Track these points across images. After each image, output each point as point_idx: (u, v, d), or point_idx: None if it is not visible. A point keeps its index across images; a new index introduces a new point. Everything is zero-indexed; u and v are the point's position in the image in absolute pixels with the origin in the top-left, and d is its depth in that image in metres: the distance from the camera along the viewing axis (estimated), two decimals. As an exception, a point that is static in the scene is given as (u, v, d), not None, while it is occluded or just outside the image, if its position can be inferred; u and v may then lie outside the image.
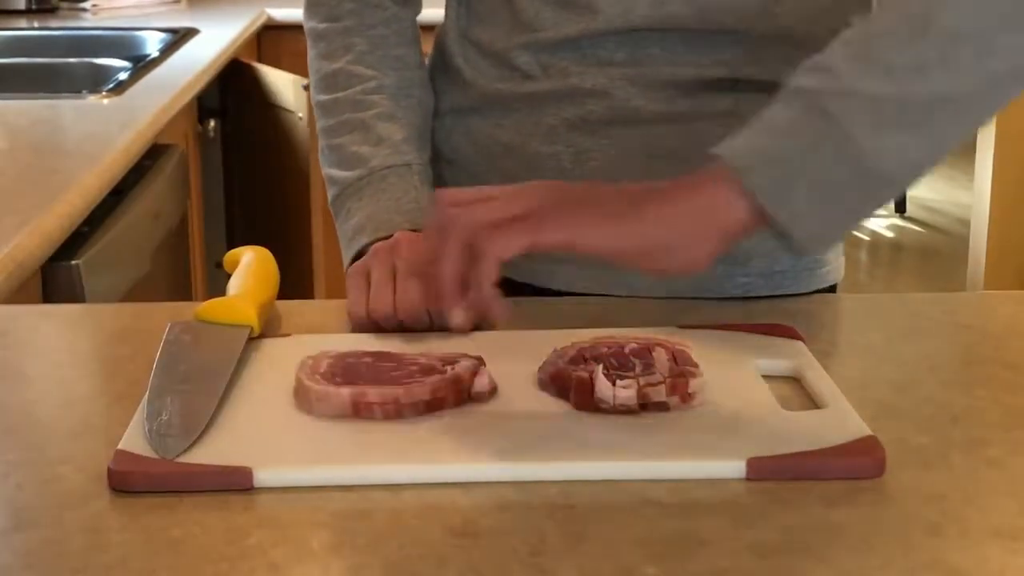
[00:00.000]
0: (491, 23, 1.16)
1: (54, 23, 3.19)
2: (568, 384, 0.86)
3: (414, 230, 1.06)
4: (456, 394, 0.86)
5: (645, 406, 0.84)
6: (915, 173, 0.88)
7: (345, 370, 0.88)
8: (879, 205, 0.88)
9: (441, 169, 1.19)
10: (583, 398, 0.85)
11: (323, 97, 1.18)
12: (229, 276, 1.06)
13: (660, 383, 0.85)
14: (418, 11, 1.22)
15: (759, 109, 0.88)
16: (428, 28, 1.21)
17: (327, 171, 1.17)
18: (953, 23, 0.84)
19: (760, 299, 1.09)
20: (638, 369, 0.87)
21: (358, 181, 1.13)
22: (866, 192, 0.86)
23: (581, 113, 1.11)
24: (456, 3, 1.19)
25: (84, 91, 2.28)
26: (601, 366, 0.86)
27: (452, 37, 1.19)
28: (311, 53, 1.21)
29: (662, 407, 0.85)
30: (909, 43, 0.84)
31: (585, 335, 0.95)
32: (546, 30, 1.11)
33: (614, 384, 0.84)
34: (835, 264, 1.20)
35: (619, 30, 1.09)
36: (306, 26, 1.21)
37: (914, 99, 0.84)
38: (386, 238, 1.06)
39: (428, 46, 1.23)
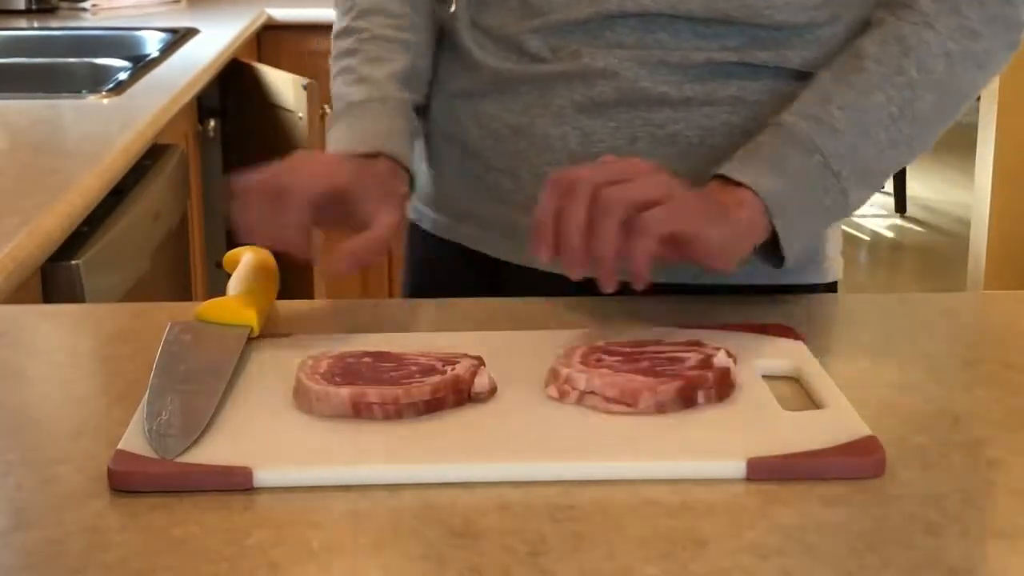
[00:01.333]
0: (500, 8, 1.17)
1: (54, 23, 3.19)
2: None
3: (368, 155, 1.10)
4: (456, 394, 0.86)
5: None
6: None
7: (345, 370, 0.88)
8: None
9: (446, 148, 1.21)
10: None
11: (332, 53, 1.24)
12: (229, 276, 1.06)
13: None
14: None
15: (764, 97, 1.10)
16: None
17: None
18: (924, 111, 1.05)
19: (760, 299, 1.09)
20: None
21: (337, 115, 1.17)
22: (831, 224, 1.08)
23: (591, 94, 1.12)
24: None
25: (84, 91, 2.27)
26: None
27: (462, 22, 1.20)
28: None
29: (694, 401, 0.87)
30: (893, 123, 1.04)
31: (586, 335, 0.95)
32: (556, 12, 1.13)
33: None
34: (835, 259, 1.22)
35: (629, 13, 1.10)
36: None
37: (888, 167, 1.07)
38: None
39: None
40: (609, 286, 0.93)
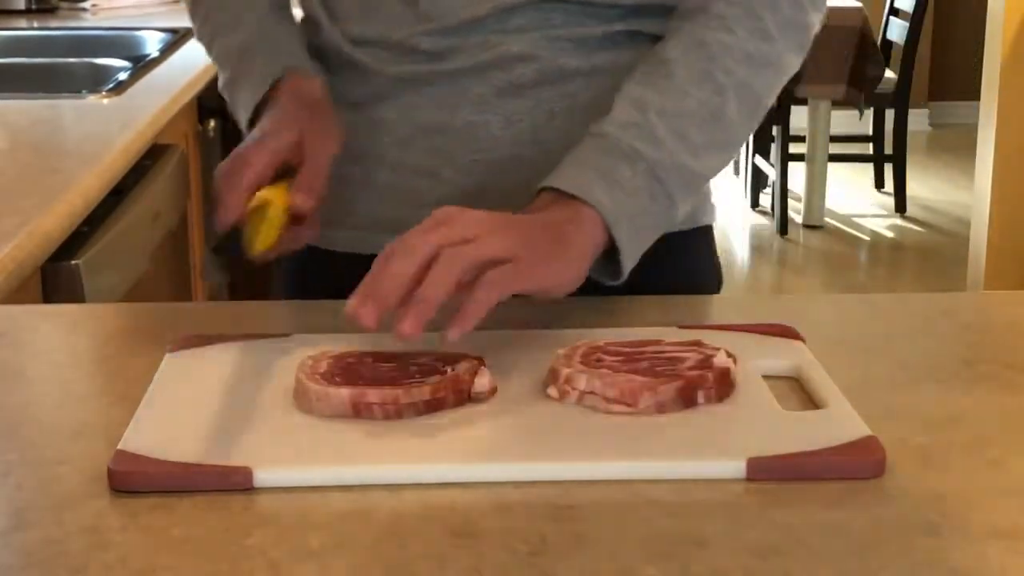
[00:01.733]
0: (378, 19, 1.16)
1: (54, 23, 3.19)
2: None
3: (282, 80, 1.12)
4: (456, 394, 0.86)
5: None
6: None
7: (345, 370, 0.88)
8: None
9: (346, 166, 1.15)
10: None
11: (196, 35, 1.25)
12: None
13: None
14: None
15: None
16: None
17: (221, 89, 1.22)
18: (732, 114, 1.06)
19: (760, 298, 1.09)
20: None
21: (228, 78, 1.18)
22: (660, 234, 1.04)
23: (510, 78, 1.14)
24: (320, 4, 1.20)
25: (84, 91, 2.27)
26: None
27: (330, 34, 1.19)
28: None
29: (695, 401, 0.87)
30: (706, 126, 1.05)
31: (586, 335, 0.95)
32: (449, 16, 1.13)
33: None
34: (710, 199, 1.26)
35: (525, 4, 1.12)
36: None
37: (706, 172, 1.07)
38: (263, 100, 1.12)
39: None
40: (409, 331, 0.85)
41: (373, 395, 0.84)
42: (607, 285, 1.01)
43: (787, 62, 1.10)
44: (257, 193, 1.02)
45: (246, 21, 1.18)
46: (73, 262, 1.54)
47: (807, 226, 5.13)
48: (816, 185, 5.12)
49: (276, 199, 1.02)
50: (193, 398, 0.88)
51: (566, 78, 1.15)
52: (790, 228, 5.08)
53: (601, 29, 1.15)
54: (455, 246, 0.88)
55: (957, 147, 6.30)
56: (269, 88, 1.12)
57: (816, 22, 1.12)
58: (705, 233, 1.25)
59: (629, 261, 1.00)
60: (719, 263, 1.28)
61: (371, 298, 0.86)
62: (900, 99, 5.17)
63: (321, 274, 1.21)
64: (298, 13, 1.24)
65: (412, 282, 0.87)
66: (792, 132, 5.00)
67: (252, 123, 1.13)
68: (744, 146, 4.91)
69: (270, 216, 1.01)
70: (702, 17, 1.07)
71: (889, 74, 5.07)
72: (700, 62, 1.06)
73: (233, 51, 1.18)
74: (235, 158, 1.05)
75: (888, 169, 5.46)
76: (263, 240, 1.01)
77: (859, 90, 4.80)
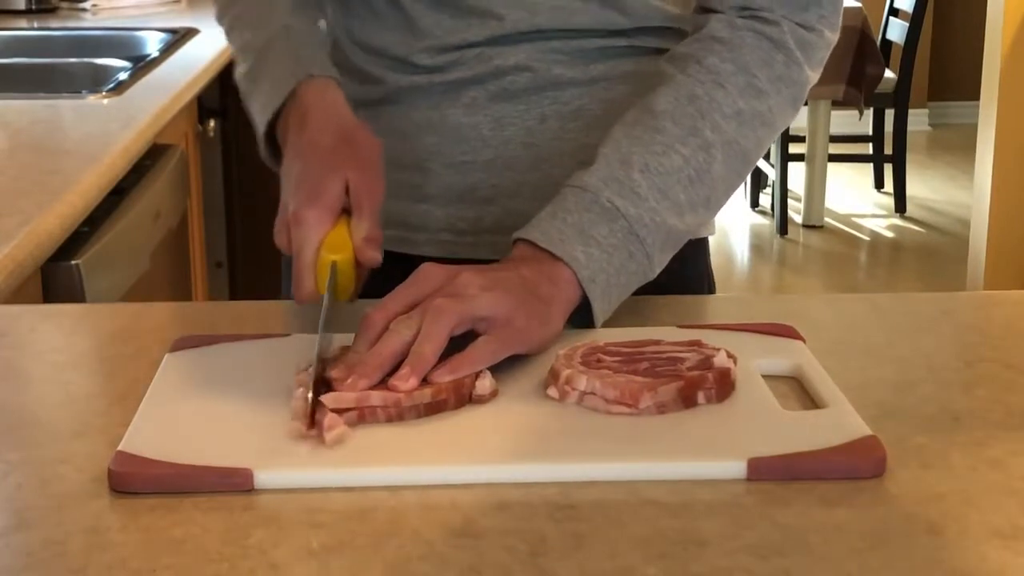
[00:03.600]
0: (381, 29, 1.17)
1: (54, 23, 3.19)
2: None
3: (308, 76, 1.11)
4: (458, 397, 0.86)
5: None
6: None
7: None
8: None
9: None
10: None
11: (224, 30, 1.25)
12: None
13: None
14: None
15: (657, 68, 1.11)
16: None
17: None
18: (718, 171, 1.06)
19: (760, 298, 1.09)
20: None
21: (248, 70, 1.17)
22: (634, 288, 1.04)
23: (503, 84, 1.15)
24: (333, 4, 1.21)
25: (84, 91, 2.27)
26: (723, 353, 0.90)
27: (342, 39, 1.21)
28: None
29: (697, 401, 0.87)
30: (691, 184, 1.05)
31: (586, 336, 0.95)
32: (447, 36, 1.15)
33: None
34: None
35: (523, 32, 1.14)
36: None
37: (688, 228, 1.06)
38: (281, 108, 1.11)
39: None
40: (407, 389, 0.85)
41: (376, 398, 0.84)
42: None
43: (779, 118, 1.10)
44: (320, 258, 1.01)
45: (273, 16, 1.17)
46: (73, 262, 1.54)
47: (807, 226, 5.13)
48: (816, 185, 5.12)
49: (342, 252, 1.02)
50: (193, 398, 0.88)
51: (560, 86, 1.16)
52: (790, 228, 5.08)
53: (598, 43, 1.15)
54: (447, 298, 0.90)
55: (957, 147, 6.30)
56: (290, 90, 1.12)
57: (812, 79, 1.12)
58: (701, 244, 1.25)
59: (601, 315, 1.00)
60: (712, 273, 1.28)
61: (362, 376, 0.86)
62: (900, 99, 5.17)
63: None
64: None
65: (405, 348, 0.87)
66: (792, 132, 5.00)
67: (271, 126, 1.12)
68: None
69: (342, 271, 1.01)
70: (695, 69, 1.07)
71: (889, 74, 5.07)
72: (689, 118, 1.05)
73: (257, 45, 1.17)
74: (298, 226, 1.01)
75: (888, 169, 5.46)
76: (341, 293, 1.01)
77: (859, 90, 4.79)
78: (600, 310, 1.00)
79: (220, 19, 1.25)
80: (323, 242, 1.01)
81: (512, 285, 0.94)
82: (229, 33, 1.23)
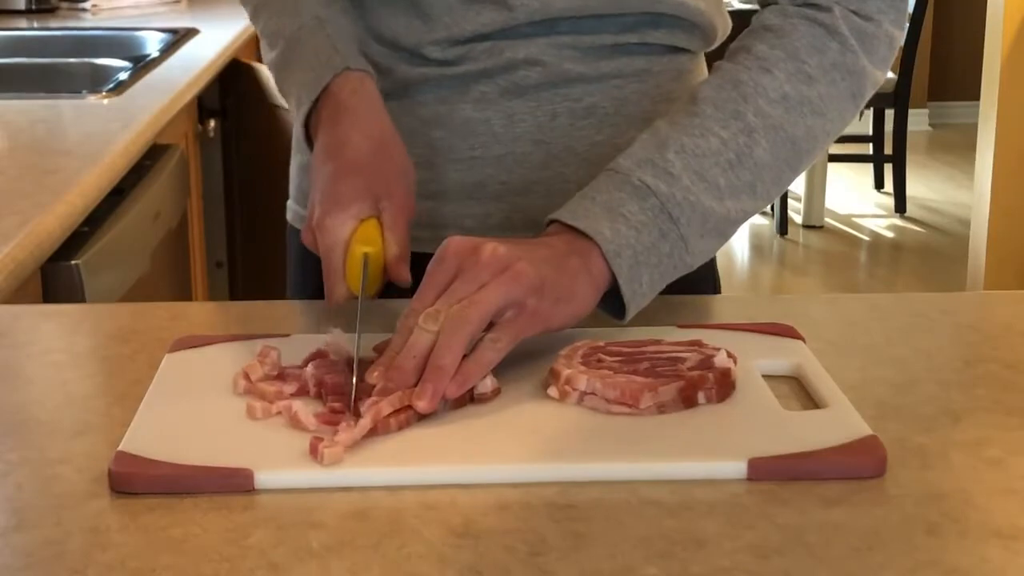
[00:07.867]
0: (393, 20, 1.16)
1: (54, 23, 3.19)
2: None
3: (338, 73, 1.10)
4: (459, 396, 0.86)
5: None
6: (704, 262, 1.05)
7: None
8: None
9: None
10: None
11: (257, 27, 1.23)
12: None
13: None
14: None
15: (668, 67, 1.16)
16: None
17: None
18: (763, 156, 1.03)
19: (760, 298, 1.10)
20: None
21: (280, 56, 1.16)
22: (673, 276, 1.01)
23: (514, 79, 1.15)
24: None
25: (84, 91, 2.27)
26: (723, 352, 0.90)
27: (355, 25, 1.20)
28: None
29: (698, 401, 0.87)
30: (731, 168, 1.02)
31: (586, 335, 0.95)
32: (460, 25, 1.14)
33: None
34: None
35: (536, 21, 1.13)
36: None
37: (733, 216, 1.03)
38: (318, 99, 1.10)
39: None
40: (427, 408, 0.84)
41: (386, 407, 0.84)
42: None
43: (832, 107, 1.06)
44: (351, 251, 1.02)
45: (304, 3, 1.16)
46: (73, 262, 1.54)
47: (807, 226, 5.13)
48: (816, 185, 5.13)
49: (373, 245, 1.03)
50: (193, 398, 0.88)
51: (571, 82, 1.15)
52: (790, 228, 5.08)
53: (611, 39, 1.15)
54: (461, 309, 0.88)
55: (957, 147, 6.30)
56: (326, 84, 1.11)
57: (874, 74, 1.09)
58: None
59: (633, 297, 0.98)
60: (717, 273, 1.28)
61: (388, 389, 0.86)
62: (900, 99, 5.18)
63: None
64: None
65: (423, 360, 0.87)
66: (792, 132, 4.99)
67: (307, 121, 1.12)
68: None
69: (371, 269, 1.02)
70: (743, 56, 1.06)
71: (889, 74, 5.07)
72: (731, 102, 1.03)
73: (288, 32, 1.16)
74: (323, 233, 1.03)
75: (888, 169, 5.46)
76: (369, 288, 1.02)
77: (859, 90, 4.79)
78: (629, 289, 0.97)
79: (245, 2, 1.24)
80: (354, 237, 1.02)
81: (536, 257, 0.93)
82: (255, 17, 1.22)
